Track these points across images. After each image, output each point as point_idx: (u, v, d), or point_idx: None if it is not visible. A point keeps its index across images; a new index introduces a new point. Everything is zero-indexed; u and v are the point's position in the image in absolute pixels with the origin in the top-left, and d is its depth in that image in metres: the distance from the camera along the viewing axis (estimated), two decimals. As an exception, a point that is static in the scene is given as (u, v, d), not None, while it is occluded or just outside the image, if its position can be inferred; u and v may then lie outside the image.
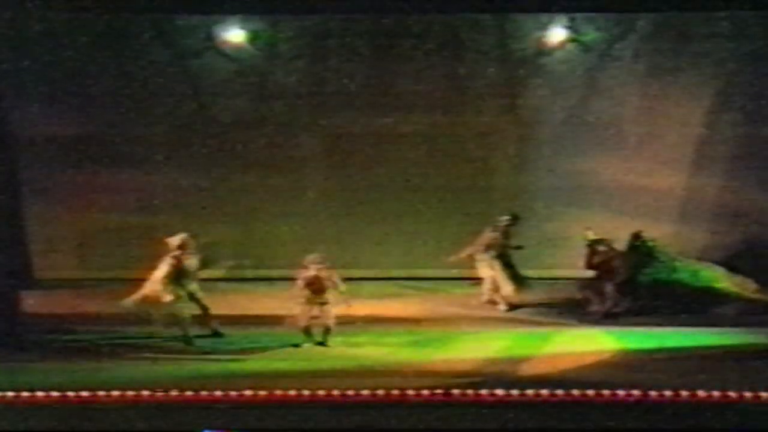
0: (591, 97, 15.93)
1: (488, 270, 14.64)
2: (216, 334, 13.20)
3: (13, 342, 12.85)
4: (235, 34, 15.56)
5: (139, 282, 12.88)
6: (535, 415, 10.96)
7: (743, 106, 15.61)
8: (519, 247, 14.75)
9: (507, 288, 14.55)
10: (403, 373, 11.89)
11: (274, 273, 15.11)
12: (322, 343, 12.91)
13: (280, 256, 14.98)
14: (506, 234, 14.73)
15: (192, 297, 13.10)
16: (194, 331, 13.02)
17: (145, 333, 13.09)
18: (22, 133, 15.28)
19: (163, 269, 12.86)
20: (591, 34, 15.60)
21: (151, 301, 12.79)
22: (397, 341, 13.09)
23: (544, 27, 15.62)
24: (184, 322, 12.96)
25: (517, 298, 14.61)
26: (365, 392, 11.13)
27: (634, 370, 11.95)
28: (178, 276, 12.90)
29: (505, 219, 14.77)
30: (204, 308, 13.19)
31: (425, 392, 11.16)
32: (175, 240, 13.04)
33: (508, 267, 14.66)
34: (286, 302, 13.02)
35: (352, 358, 12.43)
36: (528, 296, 14.83)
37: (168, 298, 12.81)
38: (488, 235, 14.63)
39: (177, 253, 12.95)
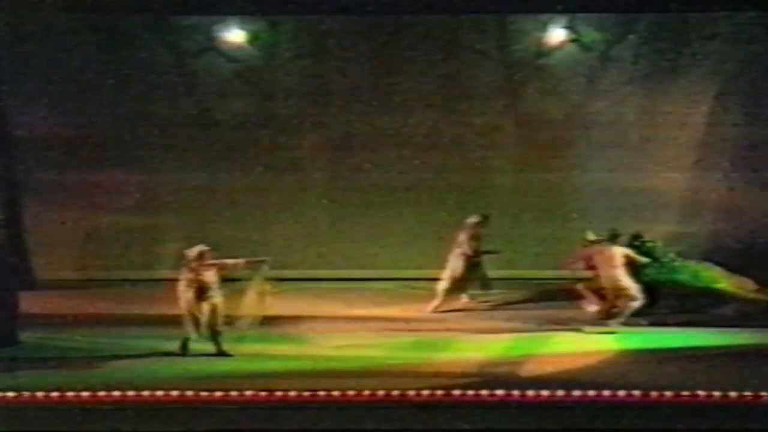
0: (591, 98, 15.94)
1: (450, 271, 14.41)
2: (221, 354, 12.40)
3: (13, 342, 12.85)
4: (235, 34, 15.59)
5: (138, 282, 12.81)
6: (535, 415, 10.95)
7: (743, 106, 15.63)
8: (493, 252, 14.47)
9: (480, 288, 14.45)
10: (403, 373, 11.88)
11: (275, 273, 15.11)
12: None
13: (281, 255, 14.95)
14: (475, 235, 14.43)
15: (213, 310, 12.37)
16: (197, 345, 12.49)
17: (145, 334, 13.10)
18: (22, 133, 15.29)
19: (182, 283, 12.24)
20: (591, 35, 15.62)
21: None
22: (397, 342, 13.08)
23: (544, 27, 15.64)
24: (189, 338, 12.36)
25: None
26: (365, 392, 11.12)
27: (634, 370, 11.94)
28: (200, 290, 12.22)
29: (473, 219, 14.49)
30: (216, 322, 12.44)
31: (425, 392, 11.14)
32: (192, 252, 12.29)
33: (475, 269, 14.46)
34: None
35: (352, 359, 12.42)
36: (528, 297, 14.88)
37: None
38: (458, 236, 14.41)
39: (194, 265, 12.24)
